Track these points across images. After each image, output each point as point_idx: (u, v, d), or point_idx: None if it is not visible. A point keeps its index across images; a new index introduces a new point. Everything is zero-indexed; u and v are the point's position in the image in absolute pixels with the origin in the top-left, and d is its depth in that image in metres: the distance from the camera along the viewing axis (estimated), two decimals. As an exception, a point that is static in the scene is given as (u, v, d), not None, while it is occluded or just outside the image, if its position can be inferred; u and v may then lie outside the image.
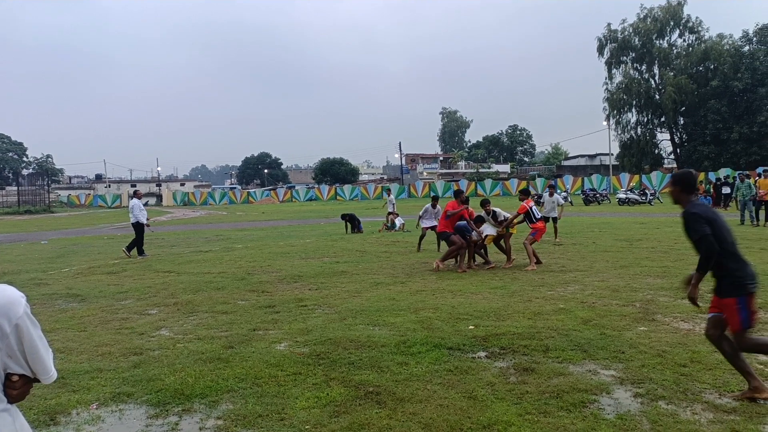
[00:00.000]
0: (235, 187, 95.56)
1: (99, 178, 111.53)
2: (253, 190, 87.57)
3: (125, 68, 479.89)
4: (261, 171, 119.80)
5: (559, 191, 50.33)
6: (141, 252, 15.42)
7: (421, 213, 15.42)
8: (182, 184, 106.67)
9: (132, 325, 7.27)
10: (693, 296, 4.50)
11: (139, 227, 15.65)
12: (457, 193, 11.90)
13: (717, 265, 4.31)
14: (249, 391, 4.76)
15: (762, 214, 19.16)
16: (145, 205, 18.07)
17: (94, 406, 4.59)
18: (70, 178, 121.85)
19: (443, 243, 12.55)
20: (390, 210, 22.68)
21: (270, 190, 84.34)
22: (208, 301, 8.69)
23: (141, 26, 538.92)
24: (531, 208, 11.65)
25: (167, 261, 14.08)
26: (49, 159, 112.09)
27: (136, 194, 16.58)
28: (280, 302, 8.45)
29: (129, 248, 15.48)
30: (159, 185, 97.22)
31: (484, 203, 12.27)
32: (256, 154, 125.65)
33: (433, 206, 14.84)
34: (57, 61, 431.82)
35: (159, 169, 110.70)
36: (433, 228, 14.32)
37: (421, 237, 15.22)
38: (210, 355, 5.78)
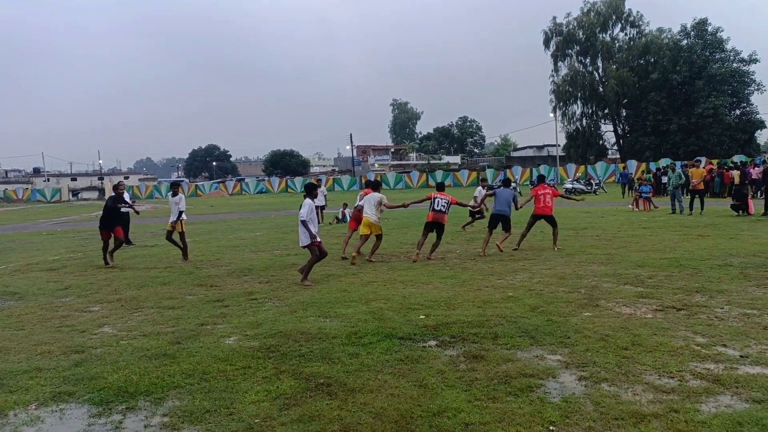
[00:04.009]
0: (182, 180, 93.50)
1: (37, 171, 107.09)
2: (202, 183, 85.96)
3: (63, 58, 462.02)
4: (209, 163, 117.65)
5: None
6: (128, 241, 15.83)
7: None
8: (126, 177, 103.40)
9: (73, 323, 7.02)
10: None
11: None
12: (375, 184, 12.11)
13: None
14: (196, 386, 4.66)
15: (697, 202, 19.89)
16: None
17: (33, 407, 4.42)
18: (6, 171, 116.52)
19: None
20: (322, 203, 21.47)
21: (219, 182, 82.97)
22: (154, 297, 8.47)
23: (81, 15, 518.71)
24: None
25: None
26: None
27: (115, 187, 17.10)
28: (229, 296, 8.32)
29: (126, 242, 15.74)
30: (101, 179, 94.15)
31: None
32: (203, 147, 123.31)
33: (174, 194, 12.89)
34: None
35: (101, 162, 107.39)
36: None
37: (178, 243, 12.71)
38: (155, 351, 5.63)
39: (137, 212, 13.07)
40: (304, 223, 8.97)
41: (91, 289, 9.39)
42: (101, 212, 12.69)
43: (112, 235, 12.42)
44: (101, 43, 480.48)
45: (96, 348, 5.88)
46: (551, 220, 12.39)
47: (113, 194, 12.98)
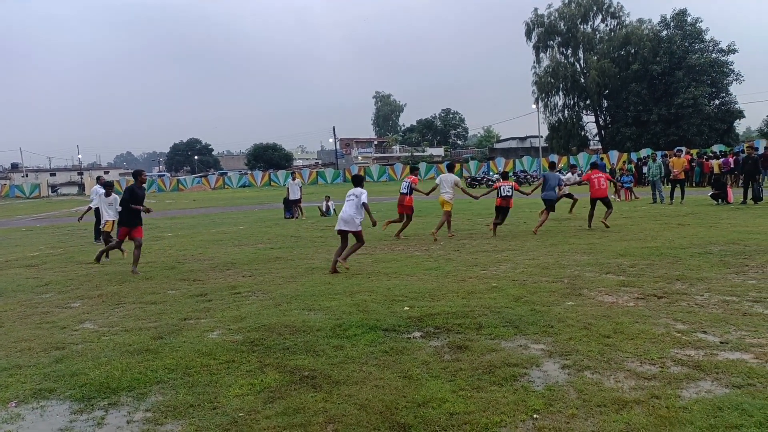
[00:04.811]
0: (163, 175, 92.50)
1: (15, 167, 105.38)
2: (183, 177, 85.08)
3: (41, 49, 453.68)
4: (191, 157, 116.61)
5: (491, 173, 51.07)
6: (97, 237, 15.47)
7: (98, 203, 13.81)
8: (106, 172, 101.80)
9: (53, 319, 6.93)
10: None
11: (99, 212, 15.39)
12: (451, 166, 14.52)
13: None
14: (180, 381, 4.62)
15: (678, 191, 20.12)
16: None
17: (13, 404, 4.35)
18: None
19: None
20: (297, 196, 21.19)
21: (201, 177, 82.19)
22: (136, 292, 8.39)
23: (58, 4, 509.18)
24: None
25: (91, 252, 13.46)
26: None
27: (98, 180, 16.57)
28: (212, 290, 8.26)
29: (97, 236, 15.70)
30: (81, 174, 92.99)
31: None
32: (185, 141, 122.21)
33: (107, 194, 12.87)
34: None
35: (80, 156, 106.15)
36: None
37: (101, 234, 13.26)
38: (138, 346, 5.58)
39: (148, 210, 10.76)
40: (366, 206, 9.50)
41: (72, 285, 9.28)
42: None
43: (132, 234, 10.50)
44: (79, 35, 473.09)
45: (77, 344, 5.81)
46: (606, 202, 13.71)
47: (132, 184, 10.68)
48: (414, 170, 14.95)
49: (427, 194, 13.91)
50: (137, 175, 10.84)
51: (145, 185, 10.94)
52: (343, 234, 9.56)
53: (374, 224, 9.78)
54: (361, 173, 11.88)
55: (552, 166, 15.42)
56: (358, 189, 9.69)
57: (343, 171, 71.73)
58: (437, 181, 13.62)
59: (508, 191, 13.43)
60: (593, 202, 13.80)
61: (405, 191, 13.43)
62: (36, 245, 15.80)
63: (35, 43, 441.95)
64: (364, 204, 9.42)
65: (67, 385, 4.65)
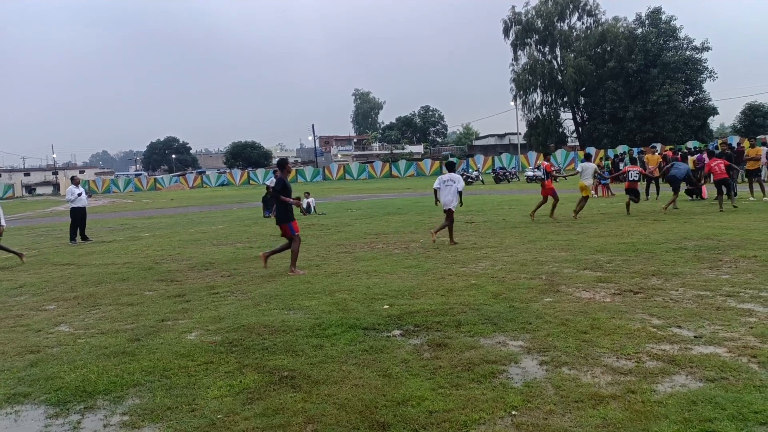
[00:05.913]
0: (140, 174, 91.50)
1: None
2: (161, 176, 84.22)
3: (13, 44, 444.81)
4: (168, 156, 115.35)
5: (470, 170, 51.28)
6: (73, 238, 15.56)
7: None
8: (81, 172, 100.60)
9: (28, 322, 6.81)
10: None
11: (74, 213, 15.68)
12: (587, 156, 16.89)
13: None
14: (157, 383, 4.58)
15: (653, 188, 20.40)
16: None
17: (-14, 411, 4.27)
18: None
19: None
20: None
21: (179, 175, 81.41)
22: (112, 294, 8.28)
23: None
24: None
25: (66, 253, 13.29)
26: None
27: (73, 180, 16.74)
28: (190, 291, 8.19)
29: (83, 238, 15.75)
30: (55, 173, 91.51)
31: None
32: (162, 139, 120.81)
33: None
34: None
35: (54, 156, 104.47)
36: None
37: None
38: (114, 349, 5.51)
39: (298, 200, 9.68)
40: (461, 194, 11.38)
41: (47, 287, 9.13)
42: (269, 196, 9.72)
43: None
44: (54, 31, 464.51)
45: (52, 347, 5.72)
46: (726, 183, 15.53)
47: (280, 175, 9.63)
48: (546, 156, 16.60)
49: (566, 178, 17.68)
50: (283, 164, 9.70)
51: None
52: (449, 212, 11.42)
53: (461, 204, 11.61)
54: (453, 159, 13.43)
55: (684, 157, 19.44)
56: (454, 175, 11.60)
57: (323, 169, 71.52)
58: (579, 168, 15.81)
59: (636, 176, 15.66)
60: (717, 183, 15.56)
61: (544, 176, 15.22)
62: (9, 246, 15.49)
63: (7, 39, 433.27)
64: (459, 192, 11.29)
65: (42, 389, 4.58)
